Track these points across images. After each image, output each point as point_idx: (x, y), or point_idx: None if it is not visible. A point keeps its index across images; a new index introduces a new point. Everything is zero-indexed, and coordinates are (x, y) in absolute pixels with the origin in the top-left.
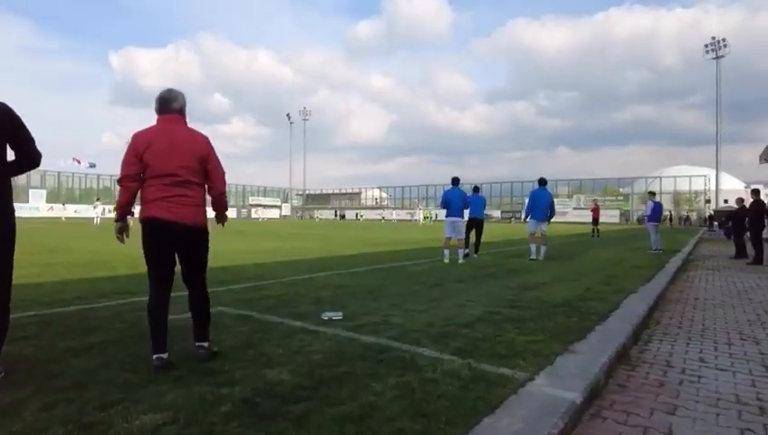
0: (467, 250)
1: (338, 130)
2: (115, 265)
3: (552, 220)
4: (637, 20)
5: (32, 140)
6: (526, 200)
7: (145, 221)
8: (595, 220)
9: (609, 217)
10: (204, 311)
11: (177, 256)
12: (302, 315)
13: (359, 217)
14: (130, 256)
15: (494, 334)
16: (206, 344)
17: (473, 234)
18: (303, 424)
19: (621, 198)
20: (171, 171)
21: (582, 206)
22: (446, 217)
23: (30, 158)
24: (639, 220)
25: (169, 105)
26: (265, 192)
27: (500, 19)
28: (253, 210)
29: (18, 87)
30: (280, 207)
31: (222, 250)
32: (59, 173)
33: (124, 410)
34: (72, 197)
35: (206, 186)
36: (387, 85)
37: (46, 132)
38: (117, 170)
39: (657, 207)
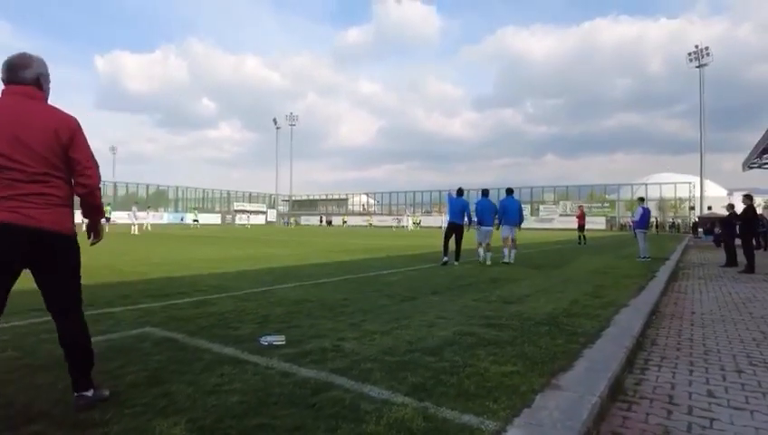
0: (446, 257)
1: (326, 135)
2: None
3: (539, 227)
4: (623, 30)
5: None
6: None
7: None
8: (581, 227)
9: (595, 223)
10: (81, 349)
11: (33, 275)
12: (238, 339)
13: (344, 222)
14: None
15: (463, 364)
16: (88, 393)
17: (452, 241)
18: None
19: (607, 204)
20: (18, 161)
21: (569, 212)
22: (478, 225)
23: None
24: (623, 227)
25: (18, 73)
26: (251, 198)
27: (489, 27)
28: (237, 216)
29: None
30: (265, 212)
31: (185, 258)
32: None
33: None
34: None
35: (73, 181)
36: (375, 91)
37: None
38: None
39: (646, 214)
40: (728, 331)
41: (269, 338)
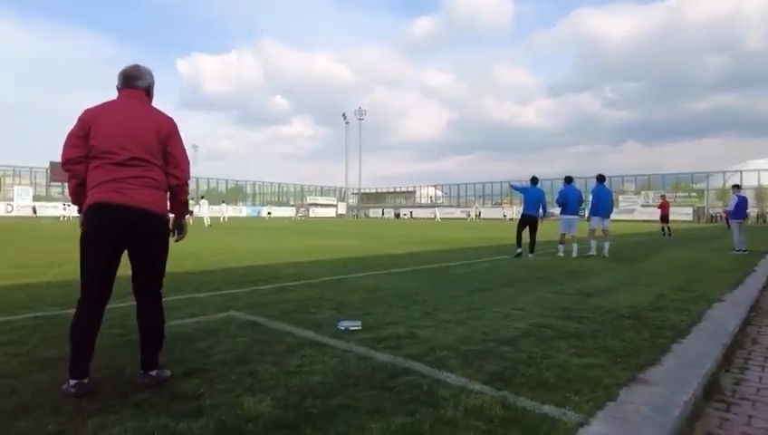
0: (520, 249)
1: (395, 128)
2: (43, 271)
3: (618, 219)
4: (715, 2)
5: None
6: (590, 197)
7: (88, 209)
8: (664, 218)
9: (680, 214)
10: (157, 330)
11: (129, 255)
12: (316, 324)
13: (410, 215)
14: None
15: (541, 355)
16: (153, 373)
17: (526, 232)
18: None
19: (694, 193)
20: (124, 148)
21: (651, 203)
22: (561, 214)
23: None
24: (713, 218)
25: (133, 82)
26: (322, 191)
27: (563, 9)
28: (310, 209)
29: (94, 96)
30: (336, 205)
31: (262, 249)
32: None
33: None
34: None
35: (167, 173)
36: (445, 81)
37: None
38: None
39: (742, 203)
40: None
41: (346, 323)
